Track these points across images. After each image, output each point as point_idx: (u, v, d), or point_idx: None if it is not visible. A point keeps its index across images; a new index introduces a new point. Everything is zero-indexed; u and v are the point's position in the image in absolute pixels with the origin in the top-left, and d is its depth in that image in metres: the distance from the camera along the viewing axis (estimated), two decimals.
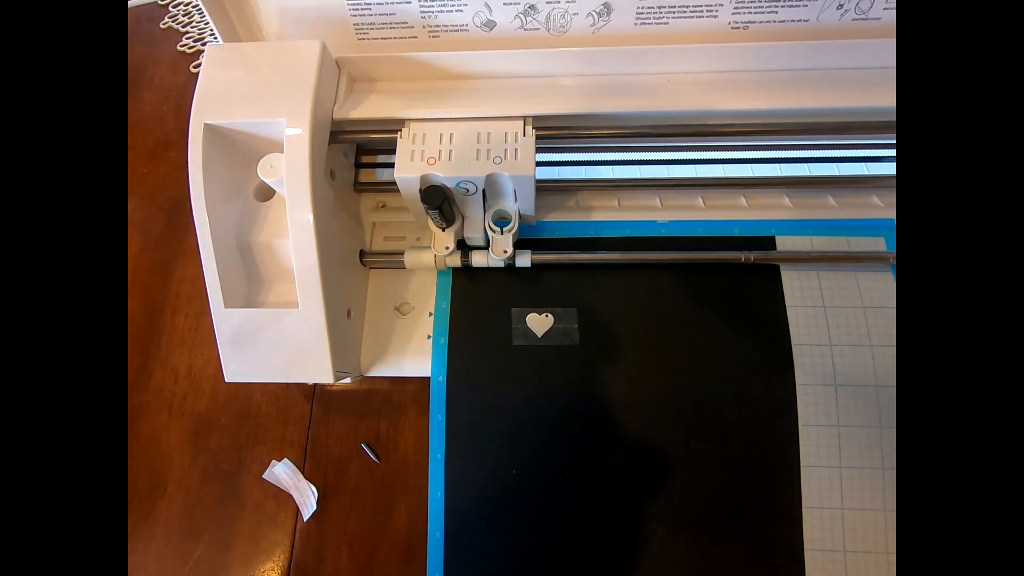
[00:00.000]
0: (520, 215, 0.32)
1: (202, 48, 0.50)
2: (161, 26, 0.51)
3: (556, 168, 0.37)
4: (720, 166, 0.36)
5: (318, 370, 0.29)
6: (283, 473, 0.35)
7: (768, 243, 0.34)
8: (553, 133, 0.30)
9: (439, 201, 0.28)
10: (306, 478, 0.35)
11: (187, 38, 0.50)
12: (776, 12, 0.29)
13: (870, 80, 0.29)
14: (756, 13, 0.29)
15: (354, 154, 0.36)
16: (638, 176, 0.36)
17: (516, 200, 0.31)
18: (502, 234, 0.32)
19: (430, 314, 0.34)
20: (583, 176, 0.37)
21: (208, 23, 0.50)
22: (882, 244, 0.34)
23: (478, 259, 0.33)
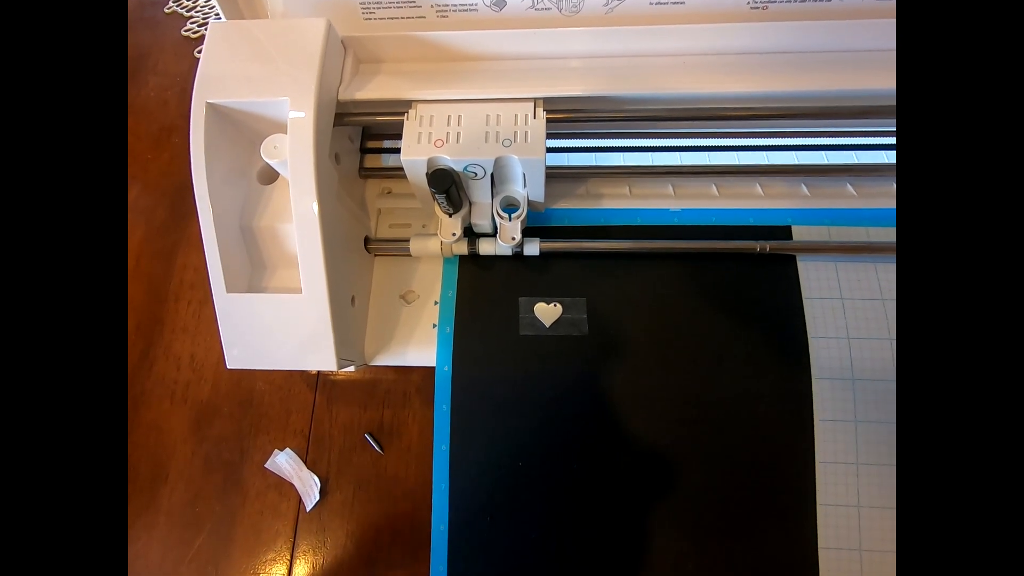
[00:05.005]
0: (529, 201, 0.31)
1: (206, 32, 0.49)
2: (165, 11, 0.51)
3: (566, 155, 0.36)
4: (735, 153, 0.35)
5: (321, 358, 0.28)
6: (285, 463, 0.34)
7: (784, 233, 0.33)
8: (564, 116, 0.29)
9: (446, 185, 0.28)
10: (309, 468, 0.34)
11: (191, 23, 0.50)
12: None
13: (895, 62, 0.28)
14: None
15: (359, 139, 0.36)
16: (650, 163, 0.35)
17: (525, 185, 0.30)
18: (510, 220, 0.31)
19: (436, 302, 0.34)
20: (593, 163, 0.36)
21: (212, 7, 0.49)
22: None
23: (485, 247, 0.32)
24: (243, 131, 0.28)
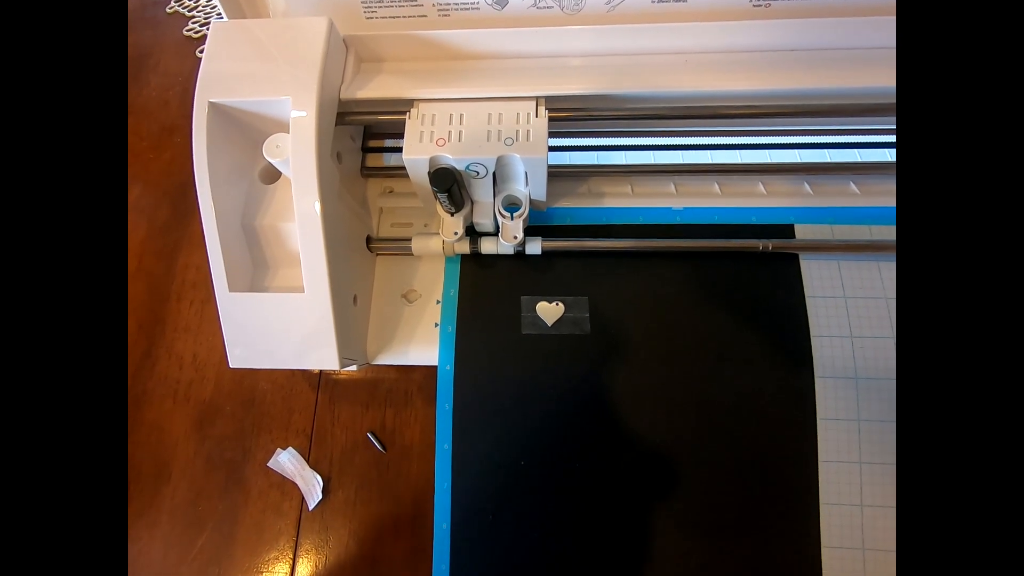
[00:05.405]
0: (531, 200, 0.31)
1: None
2: (167, 11, 0.51)
3: (568, 153, 0.36)
4: (737, 152, 0.35)
5: (324, 357, 0.28)
6: (288, 462, 0.34)
7: (787, 231, 0.33)
8: (566, 115, 0.29)
9: (448, 184, 0.28)
10: (311, 467, 0.34)
11: (193, 22, 0.50)
12: None
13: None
14: None
15: (361, 138, 0.36)
16: (652, 162, 0.35)
17: (527, 184, 0.30)
18: (512, 219, 0.31)
19: (437, 302, 0.34)
20: (595, 162, 0.36)
21: (214, 7, 0.49)
22: None
23: (487, 245, 0.32)
24: (245, 130, 0.28)
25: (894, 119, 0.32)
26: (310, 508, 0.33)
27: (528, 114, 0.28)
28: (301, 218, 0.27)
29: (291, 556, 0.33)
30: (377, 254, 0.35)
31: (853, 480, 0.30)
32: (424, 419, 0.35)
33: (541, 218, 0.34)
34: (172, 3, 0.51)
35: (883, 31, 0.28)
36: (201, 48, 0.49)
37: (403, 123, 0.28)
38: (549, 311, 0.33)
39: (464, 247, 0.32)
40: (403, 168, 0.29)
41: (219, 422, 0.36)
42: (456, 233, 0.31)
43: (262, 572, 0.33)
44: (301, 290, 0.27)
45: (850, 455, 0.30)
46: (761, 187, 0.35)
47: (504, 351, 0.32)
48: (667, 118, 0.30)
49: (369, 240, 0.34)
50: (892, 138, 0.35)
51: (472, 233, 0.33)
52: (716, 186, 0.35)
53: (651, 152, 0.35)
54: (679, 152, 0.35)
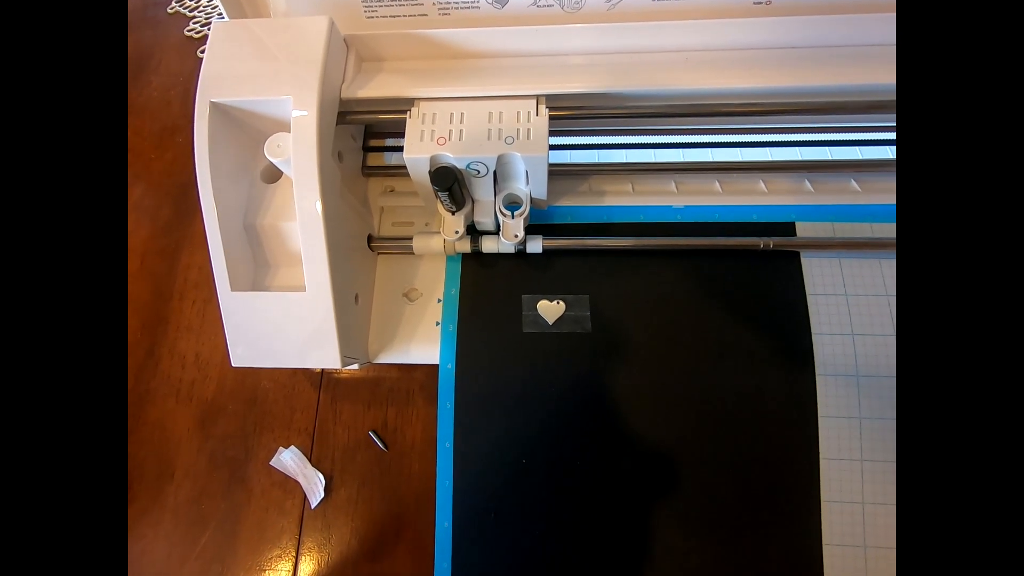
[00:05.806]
0: (532, 199, 0.31)
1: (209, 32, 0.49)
2: (168, 11, 0.51)
3: (568, 152, 0.36)
4: (738, 149, 0.35)
5: (325, 355, 0.28)
6: (290, 460, 0.34)
7: (788, 229, 0.33)
8: (566, 114, 0.29)
9: (449, 183, 0.28)
10: (313, 465, 0.34)
11: (194, 23, 0.50)
12: None
13: None
14: None
15: (362, 137, 0.36)
16: (653, 160, 0.35)
17: (528, 183, 0.30)
18: (513, 218, 0.31)
19: (439, 300, 0.34)
20: (596, 160, 0.36)
21: (215, 7, 0.49)
22: None
23: (488, 244, 0.32)
24: (247, 130, 0.29)
25: (895, 116, 0.32)
26: (312, 506, 0.33)
27: (528, 113, 0.28)
28: (302, 217, 0.27)
29: (293, 554, 0.33)
30: (378, 253, 0.35)
31: (854, 477, 0.30)
32: (426, 418, 0.35)
33: (542, 216, 0.34)
34: (173, 3, 0.51)
35: (883, 28, 0.28)
36: (202, 48, 0.49)
37: (404, 122, 0.29)
38: (550, 309, 0.33)
39: (465, 246, 0.32)
40: (404, 167, 0.29)
41: (221, 421, 0.36)
42: (457, 232, 0.31)
43: (265, 570, 0.33)
44: (303, 289, 0.28)
45: (851, 452, 0.30)
46: (762, 185, 0.35)
47: (505, 350, 0.32)
48: (668, 116, 0.30)
49: (370, 239, 0.34)
50: (893, 135, 0.34)
51: (473, 232, 0.33)
52: (717, 184, 0.35)
53: (652, 150, 0.35)
54: (680, 150, 0.35)
